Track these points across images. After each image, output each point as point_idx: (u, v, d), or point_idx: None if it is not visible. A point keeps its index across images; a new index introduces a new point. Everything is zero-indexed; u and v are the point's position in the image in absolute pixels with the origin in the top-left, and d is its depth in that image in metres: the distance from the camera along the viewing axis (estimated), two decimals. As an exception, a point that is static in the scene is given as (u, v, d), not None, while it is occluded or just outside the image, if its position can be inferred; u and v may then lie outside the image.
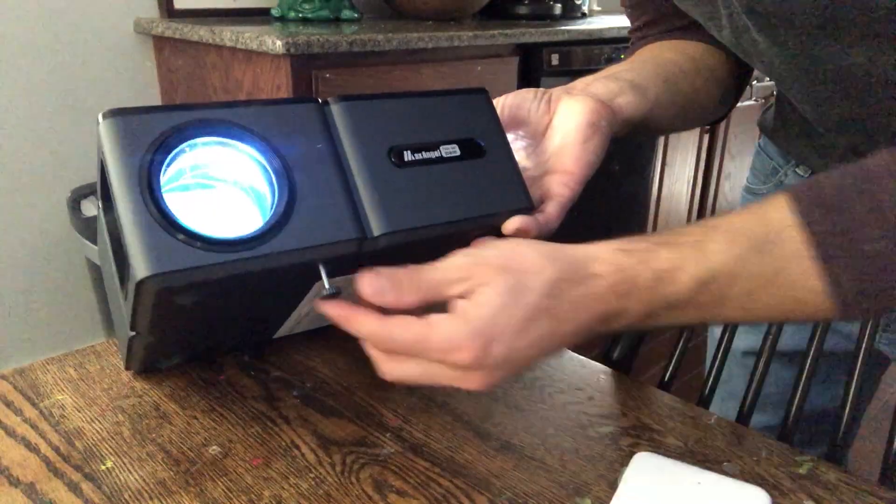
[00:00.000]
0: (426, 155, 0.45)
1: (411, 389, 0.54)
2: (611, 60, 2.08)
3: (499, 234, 0.47)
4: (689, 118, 0.67)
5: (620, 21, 2.20)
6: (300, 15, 1.78)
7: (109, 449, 0.47)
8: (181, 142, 0.38)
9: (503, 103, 0.53)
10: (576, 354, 0.60)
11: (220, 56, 1.56)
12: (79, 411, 0.51)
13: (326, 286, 0.42)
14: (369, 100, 0.44)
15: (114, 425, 0.49)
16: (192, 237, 0.37)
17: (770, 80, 0.62)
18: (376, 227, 0.42)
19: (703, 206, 2.94)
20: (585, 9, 2.44)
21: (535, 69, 1.90)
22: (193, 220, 0.38)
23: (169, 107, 0.39)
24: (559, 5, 2.25)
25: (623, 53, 2.25)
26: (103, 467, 0.45)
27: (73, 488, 0.43)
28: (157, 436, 0.48)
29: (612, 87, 0.57)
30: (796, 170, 0.73)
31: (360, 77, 1.51)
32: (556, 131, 0.53)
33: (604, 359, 0.64)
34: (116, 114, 0.37)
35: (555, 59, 1.92)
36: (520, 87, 1.88)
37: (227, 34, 1.47)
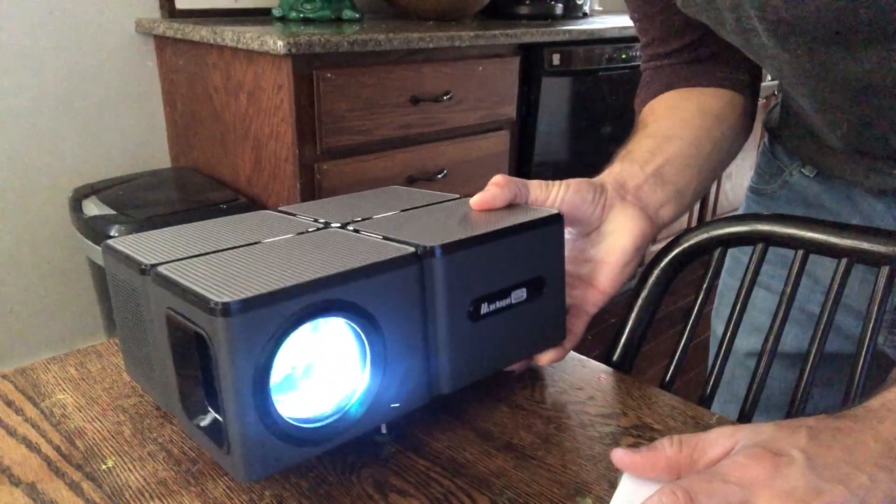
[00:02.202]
0: (499, 304, 0.46)
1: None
2: (612, 60, 2.08)
3: (529, 361, 0.52)
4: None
5: (622, 21, 2.20)
6: (301, 15, 1.78)
7: (110, 448, 0.47)
8: (292, 330, 0.37)
9: (562, 198, 0.52)
10: (576, 354, 0.60)
11: (221, 56, 1.56)
12: (80, 411, 0.51)
13: (384, 432, 0.47)
14: (464, 248, 0.43)
15: (115, 425, 0.49)
16: (295, 440, 0.38)
17: (775, 80, 0.63)
18: (445, 387, 0.45)
19: (704, 206, 2.94)
20: (587, 8, 2.44)
21: (536, 69, 1.90)
22: (291, 409, 0.39)
23: (280, 292, 0.36)
24: (560, 5, 2.25)
25: (624, 53, 2.25)
26: (104, 467, 0.45)
27: (74, 488, 0.43)
28: (159, 435, 0.48)
29: (660, 197, 0.59)
30: (802, 170, 0.73)
31: (362, 77, 1.51)
32: (603, 240, 0.55)
33: (604, 358, 0.64)
34: (236, 308, 0.34)
35: (556, 59, 1.92)
36: (521, 86, 1.89)
37: (229, 34, 1.47)
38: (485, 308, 0.45)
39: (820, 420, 0.38)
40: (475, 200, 0.50)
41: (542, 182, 0.53)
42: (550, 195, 0.52)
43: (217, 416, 0.39)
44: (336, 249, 0.43)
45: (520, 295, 0.47)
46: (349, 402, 0.41)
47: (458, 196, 0.56)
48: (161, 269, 0.41)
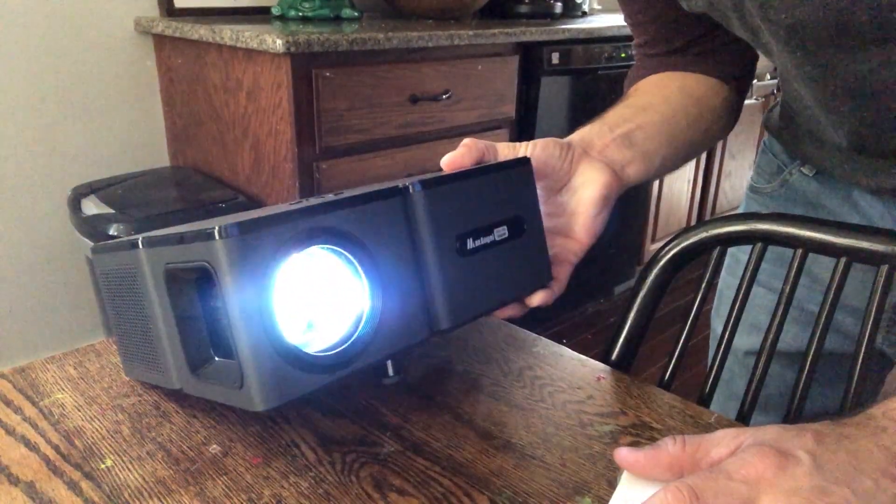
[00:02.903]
0: (483, 240, 0.48)
1: (411, 388, 0.54)
2: (611, 59, 2.08)
3: (522, 305, 0.54)
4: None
5: (621, 20, 2.20)
6: (300, 13, 1.78)
7: (109, 448, 0.47)
8: (288, 254, 0.38)
9: (531, 153, 0.55)
10: (575, 353, 0.60)
11: (220, 55, 1.56)
12: (78, 410, 0.51)
13: (391, 374, 0.48)
14: (442, 184, 0.46)
15: (114, 424, 0.49)
16: (304, 365, 0.39)
17: (775, 80, 0.63)
18: (444, 322, 0.46)
19: (704, 206, 2.94)
20: (586, 7, 2.44)
21: (535, 68, 1.90)
22: (298, 336, 0.40)
23: (274, 217, 0.38)
24: (559, 4, 2.25)
25: (623, 52, 2.25)
26: (103, 466, 0.45)
27: (73, 487, 0.43)
28: (157, 434, 0.48)
29: (626, 155, 0.61)
30: (801, 169, 0.73)
31: (361, 76, 1.51)
32: (573, 194, 0.58)
33: (603, 357, 0.64)
34: (234, 232, 0.36)
35: (555, 58, 1.92)
36: (520, 85, 1.89)
37: (228, 33, 1.46)
38: (471, 243, 0.47)
39: (824, 425, 0.38)
40: (445, 159, 0.53)
41: (510, 143, 0.56)
42: (518, 153, 0.55)
43: (226, 361, 0.42)
44: (322, 200, 0.45)
45: (502, 233, 0.50)
46: (356, 329, 0.43)
47: None
48: (153, 235, 0.43)
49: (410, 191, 0.45)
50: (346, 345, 0.42)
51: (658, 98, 0.68)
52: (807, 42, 0.52)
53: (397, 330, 0.44)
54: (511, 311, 0.54)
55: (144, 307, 0.46)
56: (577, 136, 0.60)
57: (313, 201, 0.48)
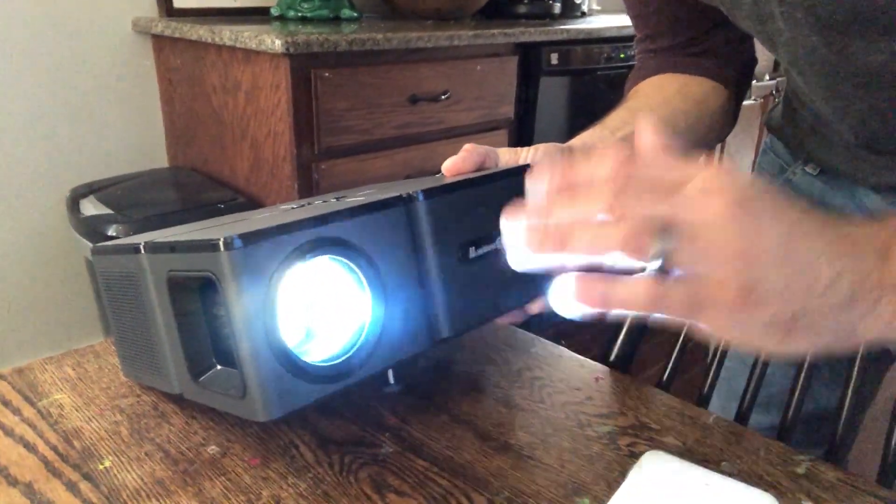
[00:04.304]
0: (485, 248, 0.48)
1: (410, 389, 0.54)
2: (610, 59, 2.08)
3: (522, 311, 0.53)
4: None
5: (620, 20, 2.20)
6: (299, 14, 1.78)
7: (108, 448, 0.47)
8: (292, 264, 0.38)
9: (532, 159, 0.55)
10: (574, 354, 0.60)
11: (219, 55, 1.56)
12: (77, 411, 0.51)
13: (392, 382, 0.49)
14: (445, 193, 0.46)
15: (112, 425, 0.49)
16: (306, 375, 0.39)
17: (781, 78, 0.63)
18: (445, 330, 0.46)
19: (703, 206, 2.94)
20: (585, 8, 2.44)
21: (534, 68, 1.90)
22: (301, 346, 0.40)
23: (277, 227, 0.38)
24: (558, 4, 2.25)
25: (623, 52, 2.25)
26: (101, 467, 0.45)
27: (72, 488, 0.43)
28: (156, 435, 0.48)
29: None
30: (805, 168, 0.73)
31: (360, 76, 1.51)
32: None
33: (602, 358, 0.64)
34: (237, 243, 0.36)
35: (554, 59, 1.92)
36: (519, 85, 1.89)
37: (227, 33, 1.46)
38: (473, 252, 0.47)
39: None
40: (446, 164, 0.53)
41: (511, 149, 0.56)
42: (520, 158, 0.55)
43: (228, 369, 0.42)
44: (324, 207, 0.45)
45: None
46: (359, 339, 0.43)
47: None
48: (157, 240, 0.43)
49: (414, 200, 0.45)
50: (348, 355, 0.42)
51: (657, 100, 0.68)
52: (822, 26, 0.51)
53: (399, 340, 0.44)
54: (511, 318, 0.54)
55: (146, 311, 0.46)
56: (578, 141, 0.60)
57: (316, 205, 0.48)
